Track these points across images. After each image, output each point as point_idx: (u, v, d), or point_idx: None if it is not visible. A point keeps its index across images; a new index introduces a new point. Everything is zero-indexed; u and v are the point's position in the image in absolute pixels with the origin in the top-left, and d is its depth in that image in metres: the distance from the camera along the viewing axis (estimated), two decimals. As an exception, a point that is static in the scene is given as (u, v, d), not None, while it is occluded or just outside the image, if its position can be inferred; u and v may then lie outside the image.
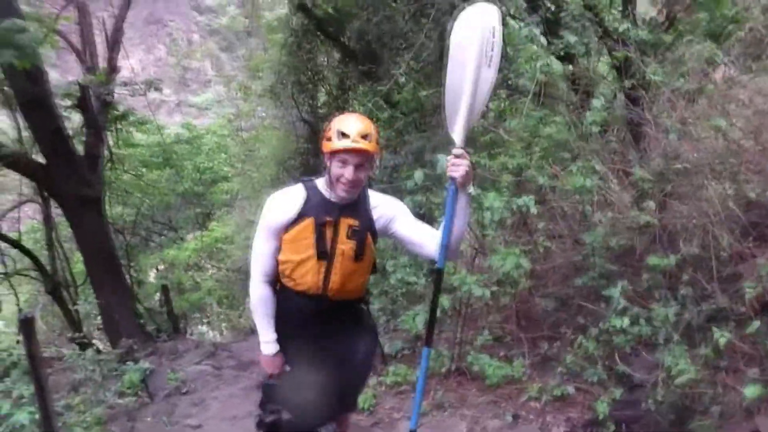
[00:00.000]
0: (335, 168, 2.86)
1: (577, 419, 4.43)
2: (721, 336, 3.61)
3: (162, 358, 8.31)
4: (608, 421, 4.16)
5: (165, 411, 6.35)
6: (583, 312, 5.04)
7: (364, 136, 2.82)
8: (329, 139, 2.85)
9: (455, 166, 2.80)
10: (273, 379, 3.18)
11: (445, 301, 5.21)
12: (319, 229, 2.91)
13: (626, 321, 4.37)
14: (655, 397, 3.97)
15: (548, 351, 5.17)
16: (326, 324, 3.10)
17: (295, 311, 3.09)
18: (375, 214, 3.02)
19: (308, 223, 2.91)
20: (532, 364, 5.13)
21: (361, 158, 2.84)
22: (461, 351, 5.39)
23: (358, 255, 2.97)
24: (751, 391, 3.35)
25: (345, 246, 2.95)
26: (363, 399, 4.98)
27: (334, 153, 2.84)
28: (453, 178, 2.82)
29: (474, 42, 2.77)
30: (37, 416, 4.96)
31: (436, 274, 3.03)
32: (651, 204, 4.73)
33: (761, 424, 3.47)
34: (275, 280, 3.10)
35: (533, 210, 4.90)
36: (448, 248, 2.92)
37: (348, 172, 2.83)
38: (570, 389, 4.62)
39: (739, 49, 5.03)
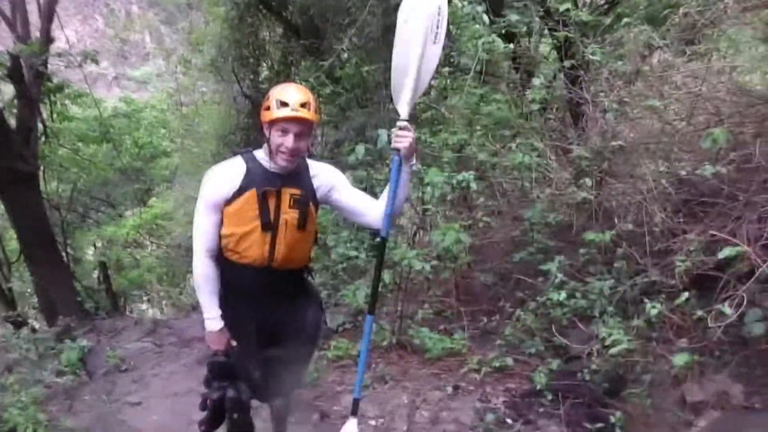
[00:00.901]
0: (275, 137, 2.87)
1: (516, 390, 4.55)
2: (653, 308, 3.75)
3: (101, 336, 8.17)
4: (546, 391, 4.29)
5: (104, 389, 6.26)
6: (521, 286, 5.17)
7: (304, 105, 2.83)
8: (268, 109, 2.86)
9: (400, 137, 2.87)
10: (218, 356, 3.16)
11: (386, 276, 5.26)
12: (263, 200, 2.91)
13: (563, 295, 4.51)
14: (591, 367, 4.11)
15: (488, 324, 5.28)
16: (272, 296, 3.10)
17: (241, 284, 3.08)
18: (315, 183, 3.05)
19: (251, 194, 2.91)
20: (472, 337, 5.24)
21: (301, 127, 2.86)
22: (402, 325, 5.46)
23: (302, 224, 2.99)
24: (679, 360, 3.51)
25: (289, 215, 2.96)
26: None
27: (273, 122, 2.85)
28: (397, 150, 2.88)
29: (421, 19, 2.86)
30: (-31, 398, 4.85)
31: (380, 243, 3.09)
32: (588, 181, 4.85)
33: (687, 390, 3.64)
34: (218, 255, 3.08)
35: (473, 186, 4.98)
36: (391, 217, 2.97)
37: (288, 141, 2.85)
38: (509, 361, 4.74)
39: (675, 33, 5.16)
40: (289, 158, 2.89)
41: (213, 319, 3.09)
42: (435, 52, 2.91)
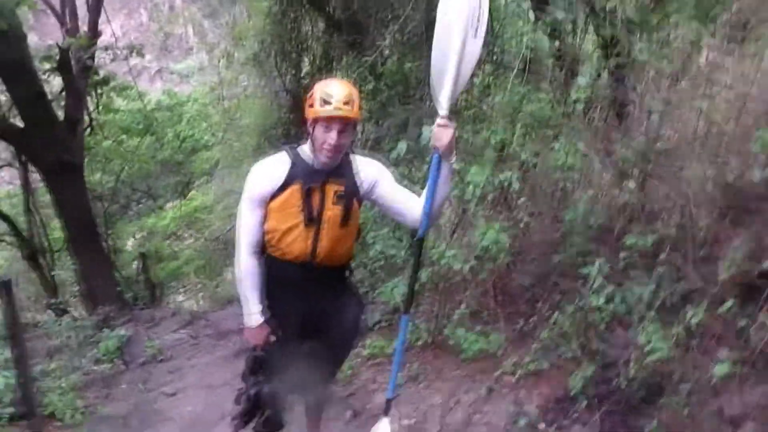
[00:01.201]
0: (318, 133, 2.89)
1: (551, 394, 4.47)
2: (694, 315, 3.65)
3: (139, 325, 8.32)
4: (581, 396, 4.21)
5: (141, 378, 6.37)
6: (559, 289, 5.07)
7: (347, 102, 2.85)
8: (312, 105, 2.88)
9: (439, 134, 2.85)
10: (257, 351, 3.18)
11: (423, 274, 5.23)
12: (307, 196, 2.91)
13: (602, 299, 4.41)
14: (628, 374, 4.01)
15: (524, 326, 5.19)
16: (314, 291, 3.12)
17: (282, 280, 3.10)
18: (359, 179, 3.05)
19: (295, 189, 2.93)
20: (508, 339, 5.16)
21: (344, 124, 2.88)
22: (438, 324, 5.42)
23: (345, 220, 3.00)
24: (720, 370, 3.40)
25: (332, 211, 2.97)
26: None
27: (317, 119, 2.87)
28: (436, 147, 2.86)
29: (461, 13, 2.79)
30: (12, 381, 4.95)
31: (418, 242, 3.08)
32: (631, 183, 4.74)
33: (726, 402, 3.53)
34: (261, 251, 3.09)
35: (516, 186, 4.91)
36: (430, 217, 2.94)
37: (331, 138, 2.86)
38: (544, 365, 4.66)
39: (725, 32, 5.02)
40: (332, 154, 2.91)
41: (254, 314, 3.12)
42: (475, 47, 2.85)
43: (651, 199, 4.88)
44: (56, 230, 11.63)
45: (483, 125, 5.77)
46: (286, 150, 3.05)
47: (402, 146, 5.39)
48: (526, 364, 4.69)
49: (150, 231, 15.38)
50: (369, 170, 3.08)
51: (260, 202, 2.99)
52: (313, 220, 2.95)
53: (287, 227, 2.96)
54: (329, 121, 2.85)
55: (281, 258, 3.05)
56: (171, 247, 15.84)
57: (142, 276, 12.64)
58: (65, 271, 10.25)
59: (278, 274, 3.11)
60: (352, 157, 3.09)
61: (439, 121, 2.86)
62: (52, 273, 10.91)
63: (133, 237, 16.29)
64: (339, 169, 3.00)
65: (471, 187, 4.98)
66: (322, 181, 2.95)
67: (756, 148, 3.87)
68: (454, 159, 2.96)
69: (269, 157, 3.09)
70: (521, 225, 5.37)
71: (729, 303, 3.55)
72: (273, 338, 3.15)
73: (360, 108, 2.95)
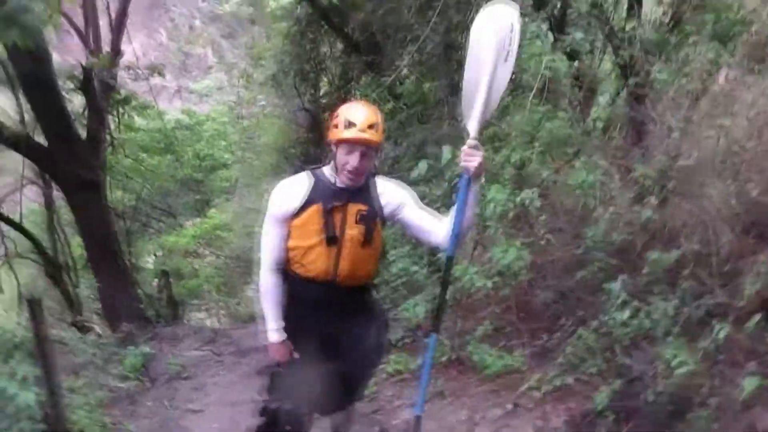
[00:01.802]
0: (341, 155, 2.93)
1: (576, 409, 4.49)
2: (721, 329, 3.68)
3: (162, 343, 8.38)
4: (607, 411, 4.23)
5: (166, 395, 6.43)
6: (582, 305, 5.11)
7: (371, 126, 2.88)
8: (336, 127, 2.92)
9: (469, 156, 2.85)
10: (279, 367, 3.22)
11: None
12: (327, 215, 2.96)
13: (626, 314, 4.44)
14: (654, 388, 4.04)
15: (548, 342, 5.23)
16: (336, 311, 3.14)
17: (305, 298, 3.14)
18: (383, 200, 3.07)
19: (316, 209, 2.97)
20: (531, 354, 5.20)
21: (367, 147, 2.92)
22: (461, 341, 5.46)
23: (367, 240, 3.02)
24: (749, 384, 3.42)
25: (353, 231, 2.99)
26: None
27: (340, 141, 2.91)
28: (467, 169, 2.88)
29: (493, 37, 2.84)
30: (41, 398, 5.02)
31: (447, 262, 3.09)
32: (652, 200, 4.79)
33: (758, 416, 3.55)
34: (284, 268, 3.15)
35: (537, 203, 4.97)
36: (458, 237, 2.98)
37: (353, 160, 2.89)
38: (569, 380, 4.68)
39: (744, 50, 5.08)
40: (354, 177, 2.94)
41: (276, 330, 3.16)
42: (506, 71, 2.89)
43: (672, 216, 4.92)
44: (79, 248, 11.76)
45: (502, 144, 5.83)
46: (308, 170, 3.10)
47: (422, 166, 5.46)
48: (550, 379, 4.72)
49: (170, 249, 15.51)
50: (393, 193, 3.11)
51: (282, 220, 3.04)
52: (334, 239, 2.98)
53: (309, 245, 3.00)
54: (352, 143, 2.89)
55: (304, 276, 3.08)
56: (191, 264, 15.96)
57: (164, 293, 12.73)
58: (88, 288, 10.35)
59: (301, 292, 3.14)
60: (375, 178, 3.12)
61: (469, 143, 2.87)
62: (75, 290, 11.02)
63: (153, 255, 16.42)
64: (362, 190, 3.03)
65: (492, 205, 5.05)
66: (344, 200, 2.98)
67: (778, 165, 3.91)
68: (482, 181, 3.01)
69: (292, 176, 3.14)
70: (542, 242, 5.42)
71: (756, 318, 3.58)
72: (296, 355, 3.20)
73: (383, 131, 2.99)
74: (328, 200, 2.97)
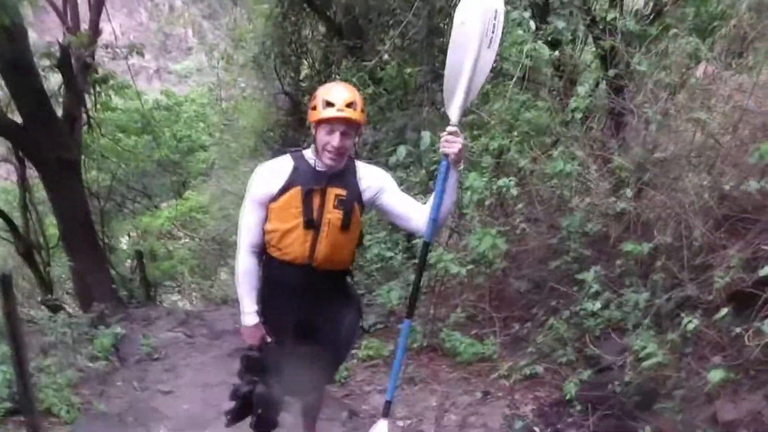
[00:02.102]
0: (321, 136, 2.90)
1: (546, 398, 4.53)
2: (689, 322, 3.70)
3: (134, 324, 8.30)
4: (575, 401, 4.26)
5: (136, 376, 6.36)
6: (555, 294, 5.13)
7: (350, 105, 2.86)
8: (315, 108, 2.90)
9: (449, 143, 2.85)
10: (252, 350, 3.21)
11: (420, 278, 5.28)
12: (307, 198, 2.94)
13: (598, 305, 4.48)
14: (623, 379, 4.07)
15: (519, 331, 5.26)
16: (311, 295, 3.13)
17: (281, 282, 3.12)
18: (362, 185, 3.05)
19: (295, 191, 2.95)
20: (503, 343, 5.23)
21: (348, 126, 2.89)
22: (434, 328, 5.47)
23: (345, 225, 3.00)
24: (714, 376, 3.45)
25: (332, 215, 2.98)
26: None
27: (320, 122, 2.88)
28: (446, 155, 2.87)
29: (476, 23, 2.82)
30: (9, 376, 4.96)
31: (423, 248, 3.09)
32: (628, 192, 4.81)
33: (720, 408, 3.59)
34: (261, 251, 3.13)
35: (513, 192, 4.97)
36: (436, 223, 2.97)
37: (334, 140, 2.87)
38: (539, 369, 4.72)
39: (723, 45, 5.10)
40: (335, 157, 2.92)
41: (250, 313, 3.15)
42: (489, 58, 2.88)
43: (647, 207, 4.95)
44: (52, 227, 11.63)
45: (481, 131, 5.82)
46: (290, 153, 3.09)
47: (401, 151, 5.44)
48: (521, 368, 4.75)
49: (145, 230, 15.40)
50: (372, 178, 3.09)
51: (261, 203, 3.01)
52: (312, 222, 2.96)
53: (287, 228, 2.98)
54: (332, 123, 2.86)
55: (281, 259, 3.06)
56: (165, 246, 15.86)
57: (138, 274, 12.62)
58: (60, 267, 10.23)
59: (278, 275, 3.13)
60: (355, 163, 3.10)
61: (449, 129, 2.86)
62: (47, 269, 10.90)
63: (128, 235, 16.30)
64: (341, 175, 3.01)
65: (469, 192, 5.04)
66: (324, 184, 2.96)
67: (753, 159, 3.93)
68: (462, 167, 2.99)
69: (273, 159, 3.13)
70: (518, 231, 5.43)
71: (724, 311, 3.61)
72: (269, 339, 3.18)
73: (363, 111, 2.96)
74: (308, 183, 2.95)
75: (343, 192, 2.99)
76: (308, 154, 3.04)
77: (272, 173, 3.01)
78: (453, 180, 2.95)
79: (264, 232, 3.07)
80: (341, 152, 2.92)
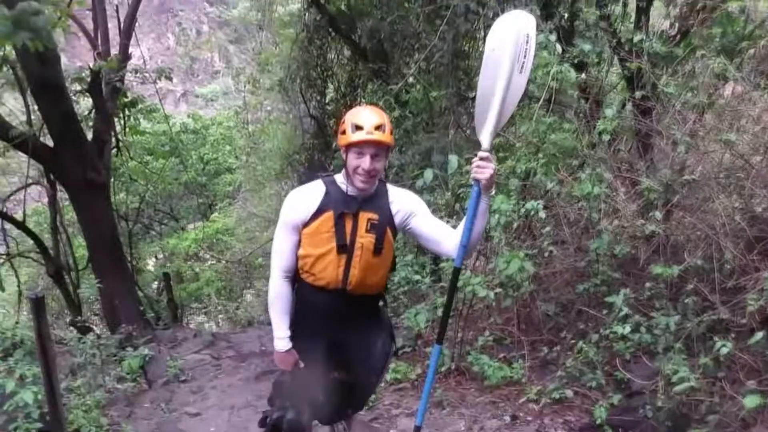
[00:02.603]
0: (352, 160, 2.91)
1: (575, 423, 4.47)
2: (723, 346, 3.65)
3: (161, 345, 8.35)
4: (606, 425, 4.21)
5: (164, 398, 6.40)
6: (584, 317, 5.10)
7: (378, 127, 2.86)
8: (344, 133, 2.91)
9: (481, 168, 2.81)
10: (285, 376, 3.20)
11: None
12: (339, 222, 2.94)
13: (627, 328, 4.43)
14: (654, 404, 4.02)
15: (548, 355, 5.22)
16: (345, 320, 3.12)
17: (315, 307, 3.12)
18: (394, 208, 3.05)
19: (328, 216, 2.95)
20: (531, 366, 5.19)
21: (377, 149, 2.89)
22: (462, 351, 5.44)
23: (378, 249, 2.99)
24: (750, 401, 3.40)
25: (364, 239, 2.97)
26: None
27: (350, 145, 2.89)
28: (477, 180, 2.85)
29: (508, 49, 2.79)
30: (40, 396, 5.01)
31: (454, 273, 3.07)
32: (657, 214, 4.77)
33: (757, 434, 3.53)
34: (294, 276, 3.13)
35: (541, 214, 4.96)
36: (467, 248, 2.95)
37: (365, 163, 2.87)
38: (569, 393, 4.67)
39: (751, 65, 5.07)
40: (366, 179, 2.92)
41: (282, 339, 3.13)
42: (521, 83, 2.84)
43: (677, 229, 4.91)
44: (81, 248, 11.77)
45: (508, 154, 5.83)
46: (321, 178, 3.07)
47: (429, 174, 5.44)
48: (550, 391, 4.70)
49: (171, 251, 15.52)
50: (404, 201, 3.08)
51: (293, 227, 3.00)
52: (345, 247, 2.95)
53: (320, 253, 2.97)
54: (362, 146, 2.87)
55: (314, 284, 3.04)
56: (192, 268, 15.96)
57: (165, 296, 12.70)
58: (89, 289, 10.31)
59: (311, 301, 3.12)
60: (386, 186, 3.10)
61: (480, 154, 2.81)
62: (77, 290, 11.00)
63: (155, 257, 16.43)
64: (373, 198, 3.01)
65: (496, 215, 5.03)
66: (356, 208, 2.96)
67: (784, 180, 3.90)
68: (493, 192, 2.95)
69: (305, 185, 3.12)
70: (546, 254, 5.40)
71: (759, 335, 3.56)
72: (301, 365, 3.16)
73: (391, 133, 2.94)
74: (340, 208, 2.95)
75: (375, 216, 2.99)
76: (339, 178, 3.04)
77: (304, 198, 3.01)
78: (484, 205, 2.92)
79: (297, 258, 3.06)
80: (372, 175, 2.92)
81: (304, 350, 3.16)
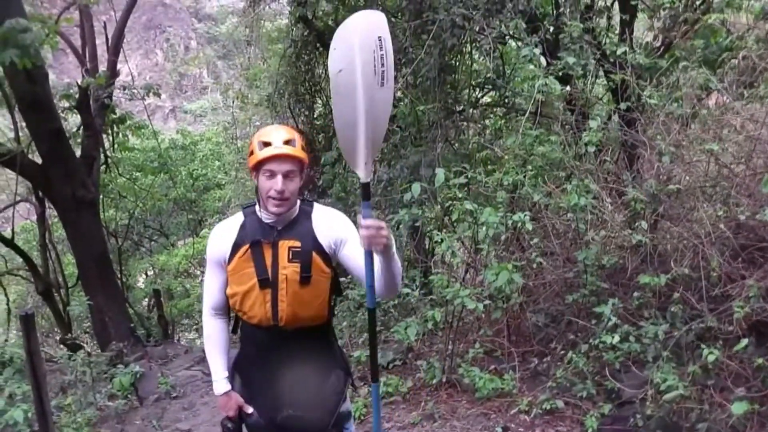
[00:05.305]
0: (263, 182, 2.61)
1: (567, 433, 4.50)
2: (710, 353, 3.69)
3: (152, 362, 8.33)
4: (597, 435, 4.24)
5: (155, 415, 6.39)
6: (573, 328, 5.13)
7: (288, 142, 2.58)
8: (251, 153, 2.63)
9: (371, 237, 2.41)
10: (229, 421, 2.88)
11: (437, 314, 5.30)
12: (257, 254, 2.67)
13: (616, 338, 4.47)
14: (644, 412, 4.04)
15: (538, 366, 5.24)
16: (286, 358, 2.79)
17: (253, 346, 2.86)
18: (319, 233, 2.72)
19: (244, 250, 2.68)
20: (522, 378, 5.20)
21: (289, 165, 2.59)
22: (453, 363, 5.45)
23: (305, 278, 2.67)
24: (738, 408, 3.43)
25: (288, 270, 2.66)
26: (355, 408, 4.97)
27: (259, 165, 2.60)
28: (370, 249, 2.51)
29: (357, 65, 2.38)
30: (30, 414, 5.00)
31: (369, 315, 2.73)
32: (643, 224, 4.82)
33: (747, 441, 3.56)
34: (228, 314, 2.90)
35: (528, 226, 4.99)
36: (374, 291, 2.62)
37: (276, 184, 2.57)
38: (559, 403, 4.69)
39: (733, 76, 5.15)
40: (280, 203, 2.61)
41: (219, 381, 2.86)
42: (384, 97, 2.45)
43: (663, 239, 4.96)
44: (71, 265, 11.74)
45: (495, 167, 5.87)
46: (242, 209, 2.80)
47: (416, 188, 5.45)
48: (541, 402, 4.72)
49: (161, 268, 15.47)
50: (331, 225, 2.74)
51: (217, 265, 2.77)
52: (267, 281, 2.66)
53: (244, 290, 2.69)
54: (272, 163, 2.57)
55: (248, 322, 2.77)
56: (182, 284, 15.91)
57: (155, 313, 12.66)
58: (79, 306, 10.27)
59: (248, 339, 2.85)
60: (312, 207, 2.78)
61: (363, 223, 2.40)
62: (67, 308, 10.96)
63: (145, 274, 16.37)
64: (294, 224, 2.70)
65: (484, 228, 5.07)
66: (274, 237, 2.66)
67: (765, 188, 3.95)
68: (394, 250, 2.51)
69: (228, 218, 2.85)
70: (534, 265, 5.44)
71: (745, 341, 3.60)
72: (249, 409, 2.84)
73: (304, 149, 2.61)
74: (256, 237, 2.67)
75: (296, 243, 2.67)
76: (256, 208, 2.76)
77: (222, 233, 2.76)
78: (388, 263, 2.52)
79: (227, 297, 2.80)
80: (286, 197, 2.60)
81: (250, 392, 2.89)
